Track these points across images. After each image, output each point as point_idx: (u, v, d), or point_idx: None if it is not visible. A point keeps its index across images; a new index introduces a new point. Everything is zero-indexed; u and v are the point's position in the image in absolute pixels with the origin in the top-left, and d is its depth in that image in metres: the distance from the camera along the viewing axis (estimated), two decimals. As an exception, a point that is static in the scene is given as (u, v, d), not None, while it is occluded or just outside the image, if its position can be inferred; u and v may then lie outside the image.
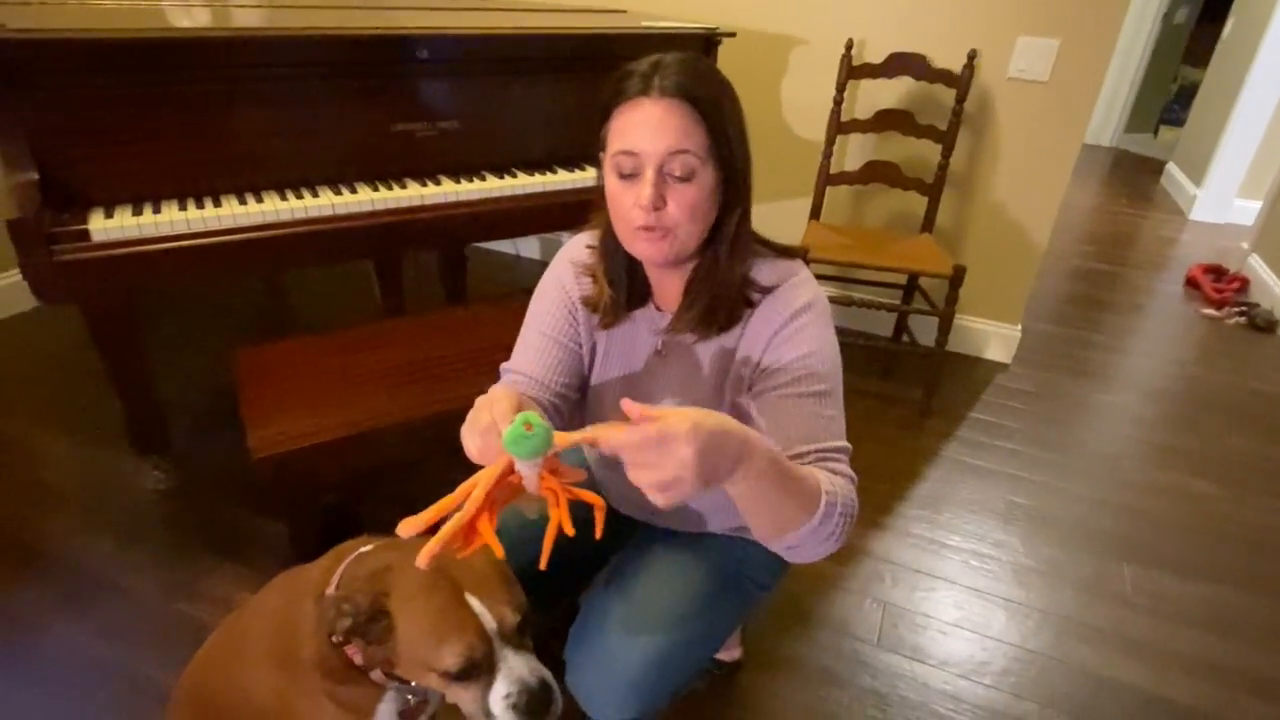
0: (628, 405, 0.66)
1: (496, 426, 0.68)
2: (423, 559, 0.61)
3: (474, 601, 0.72)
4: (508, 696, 0.69)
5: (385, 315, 1.96)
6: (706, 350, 0.92)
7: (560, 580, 1.19)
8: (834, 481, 0.77)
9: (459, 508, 0.65)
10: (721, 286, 0.87)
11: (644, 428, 0.64)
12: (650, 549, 1.05)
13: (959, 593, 1.64)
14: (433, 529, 0.66)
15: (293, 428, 1.30)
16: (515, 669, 0.70)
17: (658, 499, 0.64)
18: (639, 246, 0.84)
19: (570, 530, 0.66)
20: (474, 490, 0.65)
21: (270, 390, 1.40)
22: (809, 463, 0.80)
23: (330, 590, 0.77)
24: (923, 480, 1.98)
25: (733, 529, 1.06)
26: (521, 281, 3.13)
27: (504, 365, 1.00)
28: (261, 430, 1.29)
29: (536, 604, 1.19)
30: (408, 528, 0.64)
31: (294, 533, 1.39)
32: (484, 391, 0.99)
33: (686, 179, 0.79)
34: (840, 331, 0.89)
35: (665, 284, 0.93)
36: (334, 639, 0.76)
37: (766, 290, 0.88)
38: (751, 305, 0.88)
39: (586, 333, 0.98)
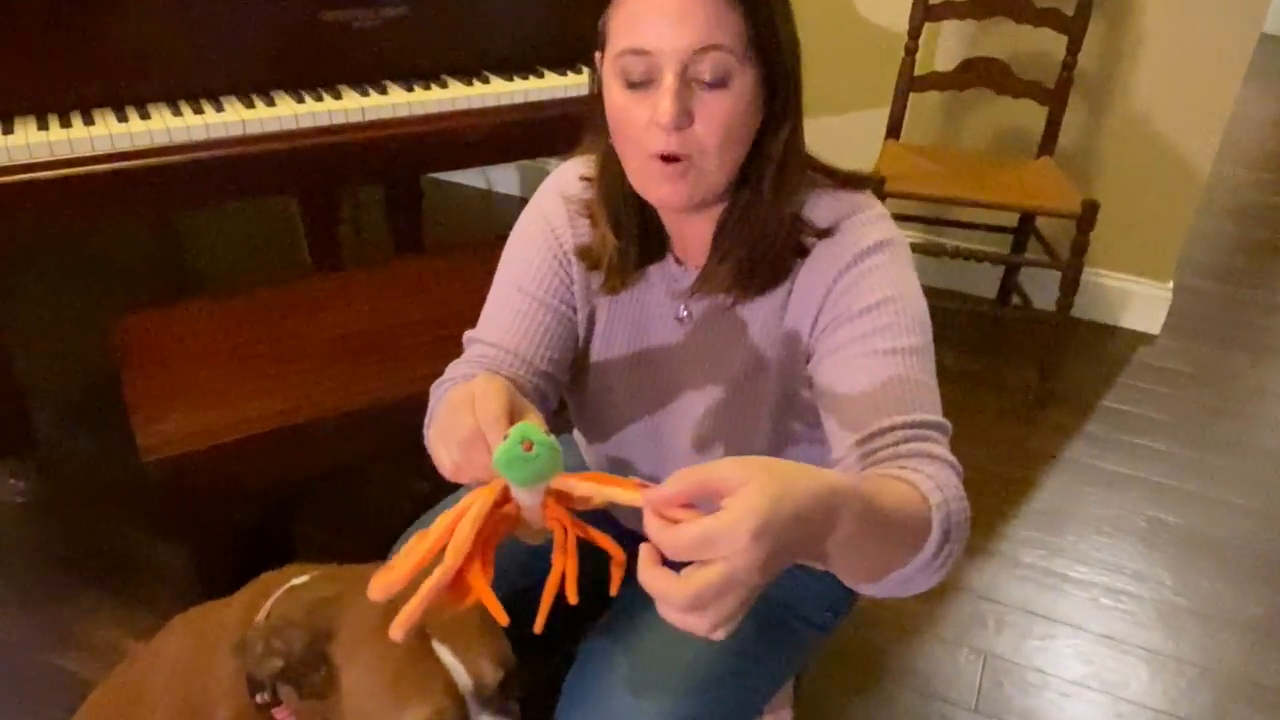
0: (652, 500, 0.58)
1: (483, 437, 0.66)
2: (397, 629, 0.60)
3: (444, 651, 0.73)
4: None
5: (315, 271, 1.96)
6: (745, 316, 0.91)
7: (556, 624, 1.19)
8: (941, 483, 0.73)
9: (443, 551, 0.64)
10: (764, 231, 0.85)
11: (682, 530, 0.55)
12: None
13: (1085, 641, 1.64)
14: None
15: (196, 421, 1.31)
16: None
17: (713, 634, 0.58)
18: (653, 185, 0.82)
19: (573, 597, 0.64)
20: (458, 527, 0.63)
21: (165, 371, 1.41)
22: (896, 443, 0.79)
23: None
24: (1038, 490, 1.97)
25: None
26: (496, 225, 3.11)
27: (469, 334, 0.98)
28: (154, 424, 1.30)
29: (525, 654, 1.21)
30: (382, 589, 0.63)
31: (201, 560, 1.41)
32: (444, 372, 0.99)
33: (719, 85, 0.76)
34: (927, 292, 0.89)
35: (688, 230, 0.90)
36: (259, 698, 0.76)
37: (823, 233, 0.86)
38: (804, 253, 0.86)
39: (583, 294, 0.97)
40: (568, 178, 0.98)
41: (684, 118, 0.78)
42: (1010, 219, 2.45)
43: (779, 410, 0.93)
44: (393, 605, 0.74)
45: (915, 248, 2.46)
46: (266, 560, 0.97)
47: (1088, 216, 2.02)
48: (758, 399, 0.93)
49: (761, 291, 0.89)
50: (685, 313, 0.94)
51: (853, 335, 0.83)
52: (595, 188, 0.93)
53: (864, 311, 0.83)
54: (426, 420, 0.93)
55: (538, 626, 0.65)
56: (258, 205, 2.85)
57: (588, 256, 0.95)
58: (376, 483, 1.87)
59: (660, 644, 0.96)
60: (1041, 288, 2.46)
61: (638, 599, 1.04)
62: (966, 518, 0.75)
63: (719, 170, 0.81)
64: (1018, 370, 2.36)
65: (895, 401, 0.79)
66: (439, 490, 1.43)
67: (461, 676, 0.72)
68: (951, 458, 0.78)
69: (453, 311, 1.55)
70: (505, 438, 0.63)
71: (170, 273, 2.68)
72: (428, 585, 0.62)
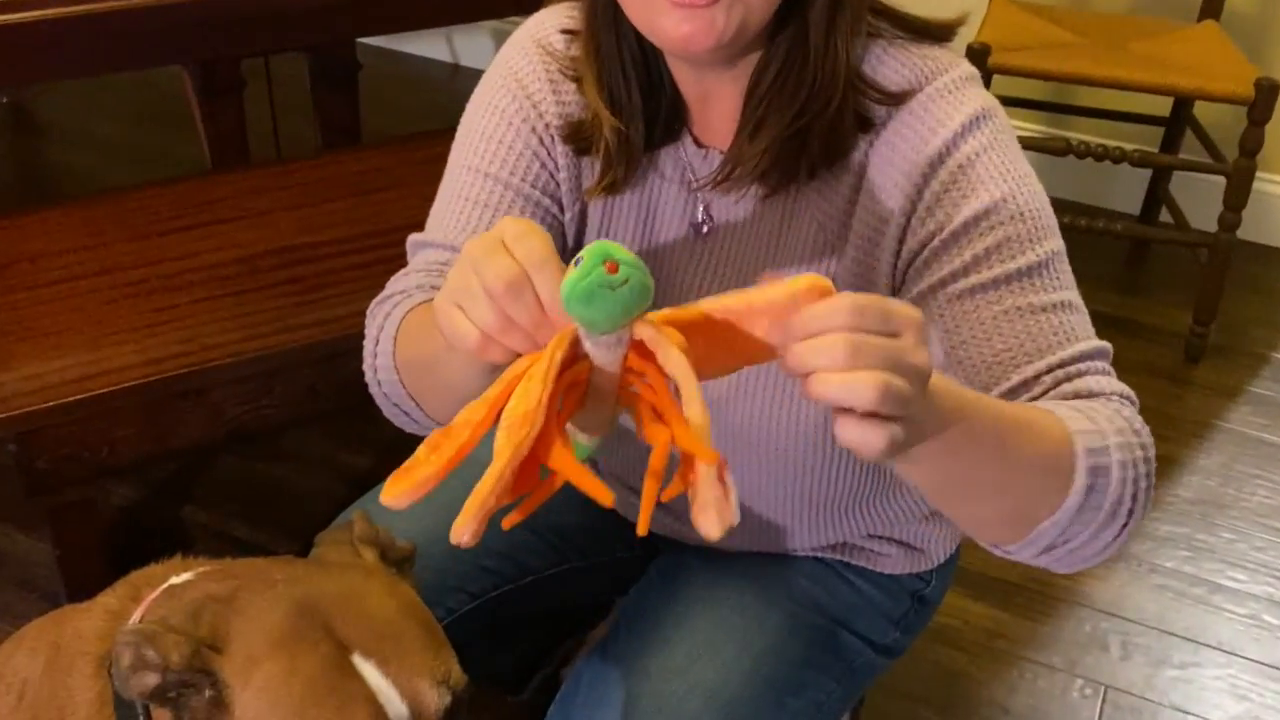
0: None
1: (529, 280, 0.62)
2: (463, 529, 0.58)
3: (369, 670, 0.74)
4: None
5: (214, 170, 1.95)
6: (790, 219, 0.91)
7: (531, 635, 1.20)
8: (1097, 416, 0.74)
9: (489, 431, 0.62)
10: (812, 89, 0.85)
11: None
12: (682, 587, 1.06)
13: (1241, 670, 1.64)
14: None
15: (51, 369, 1.32)
16: None
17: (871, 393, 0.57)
18: (669, 23, 0.80)
19: (708, 455, 0.59)
20: (519, 389, 0.61)
21: (10, 303, 1.41)
22: (1043, 391, 0.79)
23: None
24: (1185, 472, 1.97)
25: (825, 547, 1.07)
26: (460, 111, 3.04)
27: (415, 237, 0.98)
28: (-2, 373, 1.32)
29: (488, 677, 1.22)
30: (404, 493, 0.60)
31: (62, 553, 1.42)
32: (385, 287, 0.96)
33: None
34: None
35: (713, 94, 0.90)
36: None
37: (894, 99, 0.86)
38: (869, 126, 0.87)
39: (570, 187, 0.97)
40: (546, 28, 0.97)
41: None
42: (1160, 105, 2.41)
43: None
44: (304, 612, 0.75)
45: (1029, 144, 2.43)
46: (148, 554, 0.98)
47: (1264, 102, 1.98)
48: None
49: (811, 179, 0.89)
50: (704, 217, 0.94)
51: (960, 264, 0.83)
52: (582, 44, 0.92)
53: (970, 225, 0.83)
54: (367, 357, 0.93)
55: (642, 527, 0.61)
56: (138, 81, 2.83)
57: (576, 137, 0.94)
58: (294, 455, 1.89)
59: (675, 666, 0.98)
60: (1200, 200, 2.43)
61: (642, 614, 1.06)
62: (1147, 456, 0.75)
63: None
64: (1165, 311, 2.34)
65: (1029, 346, 0.80)
66: (381, 465, 1.43)
67: (393, 702, 0.73)
68: (1118, 386, 0.79)
69: (397, 223, 1.53)
70: (577, 264, 0.59)
71: (22, 170, 2.68)
72: (501, 463, 0.59)
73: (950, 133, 0.84)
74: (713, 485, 0.59)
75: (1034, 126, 2.59)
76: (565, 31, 0.95)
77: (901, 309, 0.60)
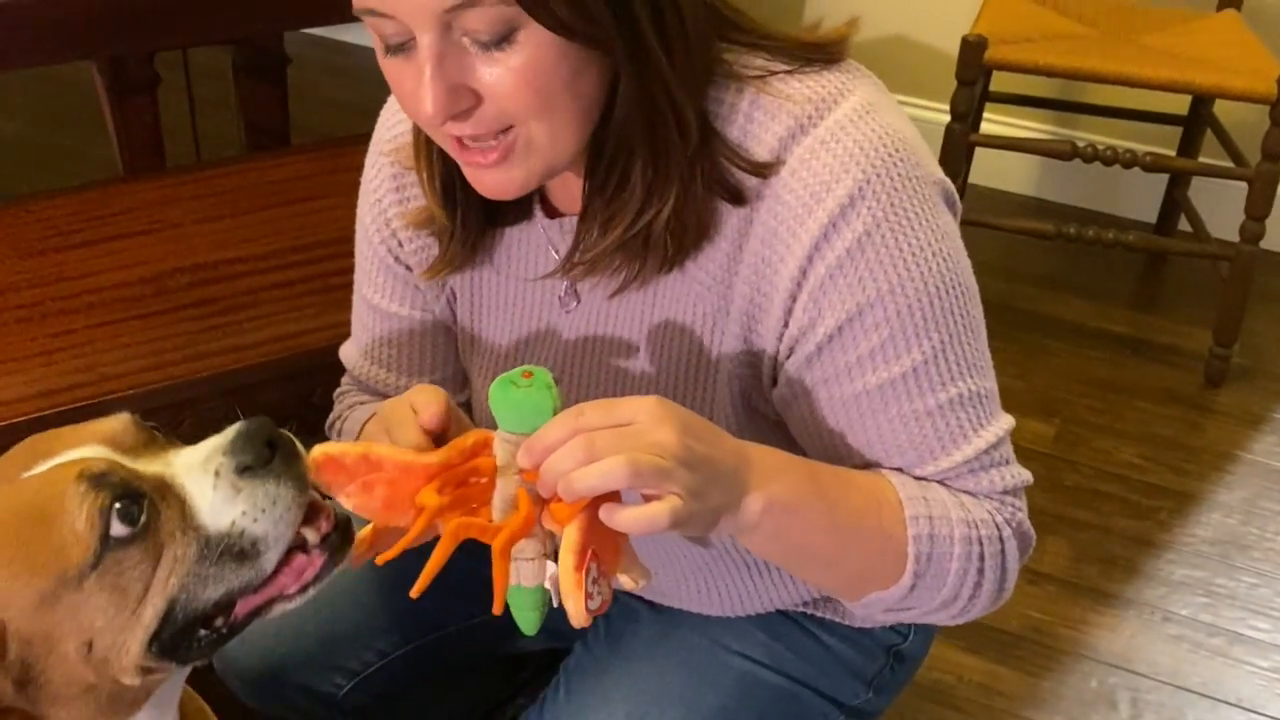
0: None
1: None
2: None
3: (50, 460, 0.79)
4: (218, 471, 0.76)
5: (125, 175, 1.95)
6: (664, 289, 0.91)
7: (474, 690, 1.22)
8: (948, 504, 0.86)
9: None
10: (652, 185, 0.85)
11: (566, 415, 0.73)
12: (628, 641, 1.08)
13: (1267, 732, 1.66)
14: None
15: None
16: (194, 456, 0.78)
17: (655, 519, 0.71)
18: (470, 174, 0.85)
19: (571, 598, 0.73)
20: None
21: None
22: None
23: None
24: (1204, 509, 1.98)
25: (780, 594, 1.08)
26: None
27: (344, 355, 1.13)
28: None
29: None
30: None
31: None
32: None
33: (500, 43, 0.75)
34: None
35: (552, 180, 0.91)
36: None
37: (762, 169, 0.84)
38: (742, 200, 0.85)
39: (437, 290, 1.04)
40: (391, 119, 1.02)
41: (462, 95, 0.78)
42: (1176, 104, 2.44)
43: (736, 422, 0.93)
44: None
45: (1035, 147, 2.44)
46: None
47: (1288, 100, 2.00)
48: (698, 407, 0.92)
49: (684, 257, 0.88)
50: (569, 292, 0.96)
51: (843, 364, 0.85)
52: (411, 130, 0.94)
53: (844, 328, 0.84)
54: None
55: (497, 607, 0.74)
56: (42, 77, 2.83)
57: (425, 224, 0.98)
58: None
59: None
60: (1221, 208, 2.44)
61: (578, 679, 1.08)
62: (990, 551, 0.85)
63: (554, 142, 0.81)
64: (1182, 330, 2.35)
65: (911, 456, 0.87)
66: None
67: (87, 450, 0.78)
68: (1002, 481, 0.88)
69: (324, 237, 1.56)
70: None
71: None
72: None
73: (830, 212, 0.82)
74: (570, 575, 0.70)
75: (1038, 127, 2.61)
76: None
77: (626, 402, 0.73)
